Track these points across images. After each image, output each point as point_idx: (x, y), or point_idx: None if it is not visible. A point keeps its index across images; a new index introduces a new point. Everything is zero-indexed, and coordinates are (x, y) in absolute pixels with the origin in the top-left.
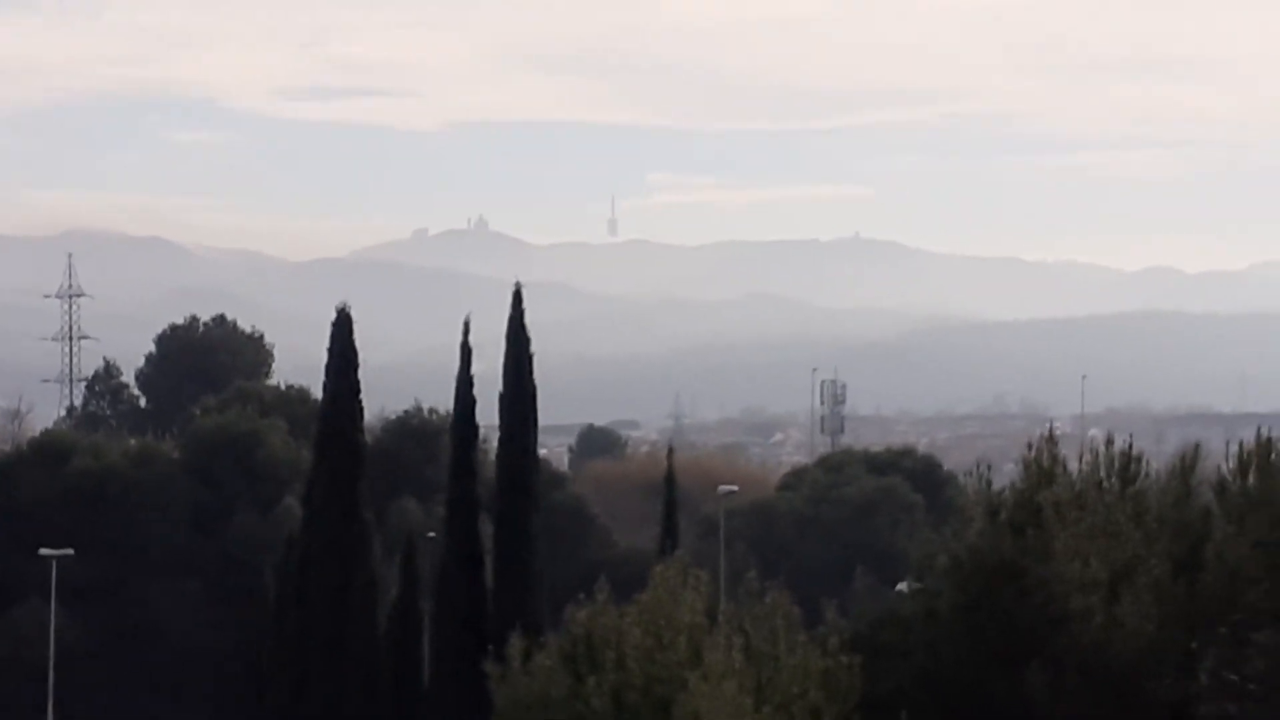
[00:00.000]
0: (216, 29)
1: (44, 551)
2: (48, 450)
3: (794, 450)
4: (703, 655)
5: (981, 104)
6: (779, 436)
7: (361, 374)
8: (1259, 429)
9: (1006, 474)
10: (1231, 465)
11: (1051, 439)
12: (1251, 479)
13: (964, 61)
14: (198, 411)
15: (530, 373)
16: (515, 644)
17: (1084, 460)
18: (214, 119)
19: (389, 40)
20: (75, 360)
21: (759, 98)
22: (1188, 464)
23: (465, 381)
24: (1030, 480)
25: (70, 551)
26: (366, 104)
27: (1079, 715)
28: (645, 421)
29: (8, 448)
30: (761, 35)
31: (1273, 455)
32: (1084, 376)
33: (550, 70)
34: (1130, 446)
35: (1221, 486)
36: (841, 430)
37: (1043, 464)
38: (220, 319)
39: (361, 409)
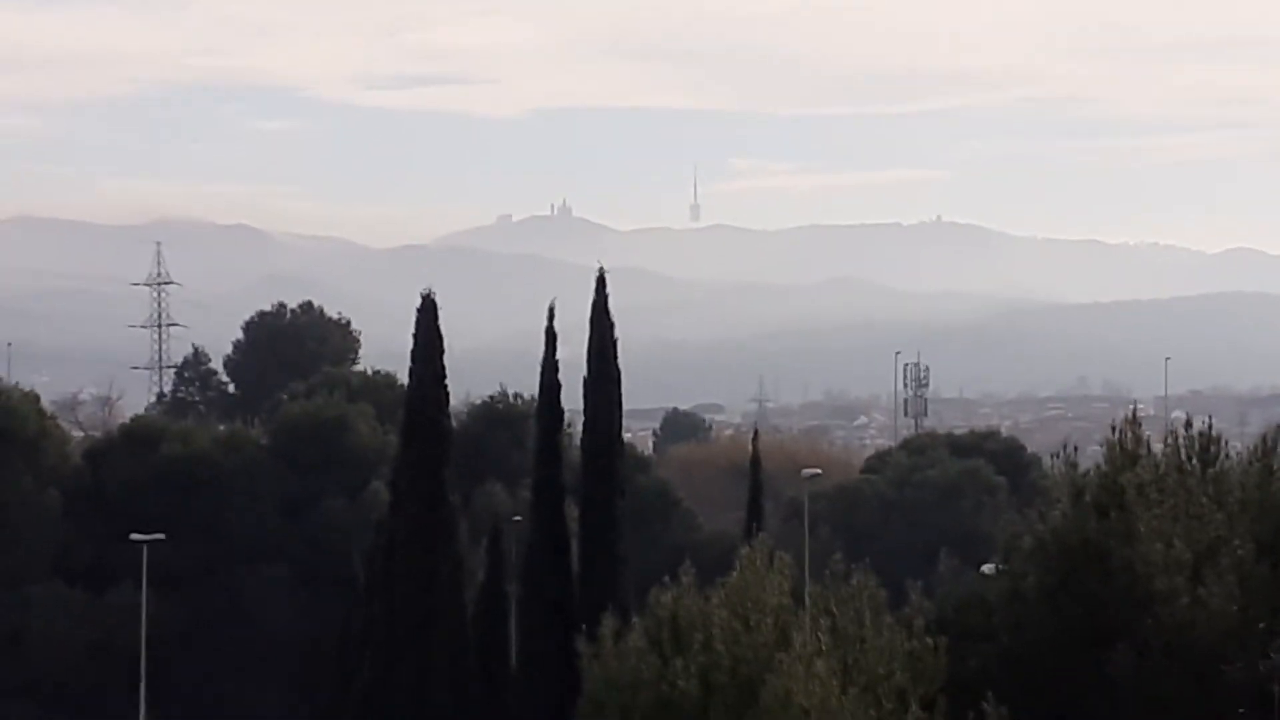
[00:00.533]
0: (299, 18)
1: (135, 537)
2: (138, 436)
3: (877, 433)
4: (790, 637)
5: (1059, 87)
6: (862, 419)
7: (447, 359)
8: None
9: (1090, 456)
10: None
11: (1134, 421)
12: None
13: (1040, 44)
14: (285, 397)
15: (614, 357)
16: (608, 624)
17: (1166, 442)
18: (298, 107)
19: (470, 27)
20: (164, 347)
21: (839, 82)
22: (1269, 445)
23: (550, 366)
24: (1114, 462)
25: (161, 536)
26: (449, 91)
27: (1164, 696)
28: (729, 405)
29: (99, 434)
30: (840, 19)
31: None
32: (1167, 359)
33: (631, 56)
34: (1210, 428)
35: None
36: (924, 413)
37: (1126, 446)
38: (307, 305)
39: (447, 394)
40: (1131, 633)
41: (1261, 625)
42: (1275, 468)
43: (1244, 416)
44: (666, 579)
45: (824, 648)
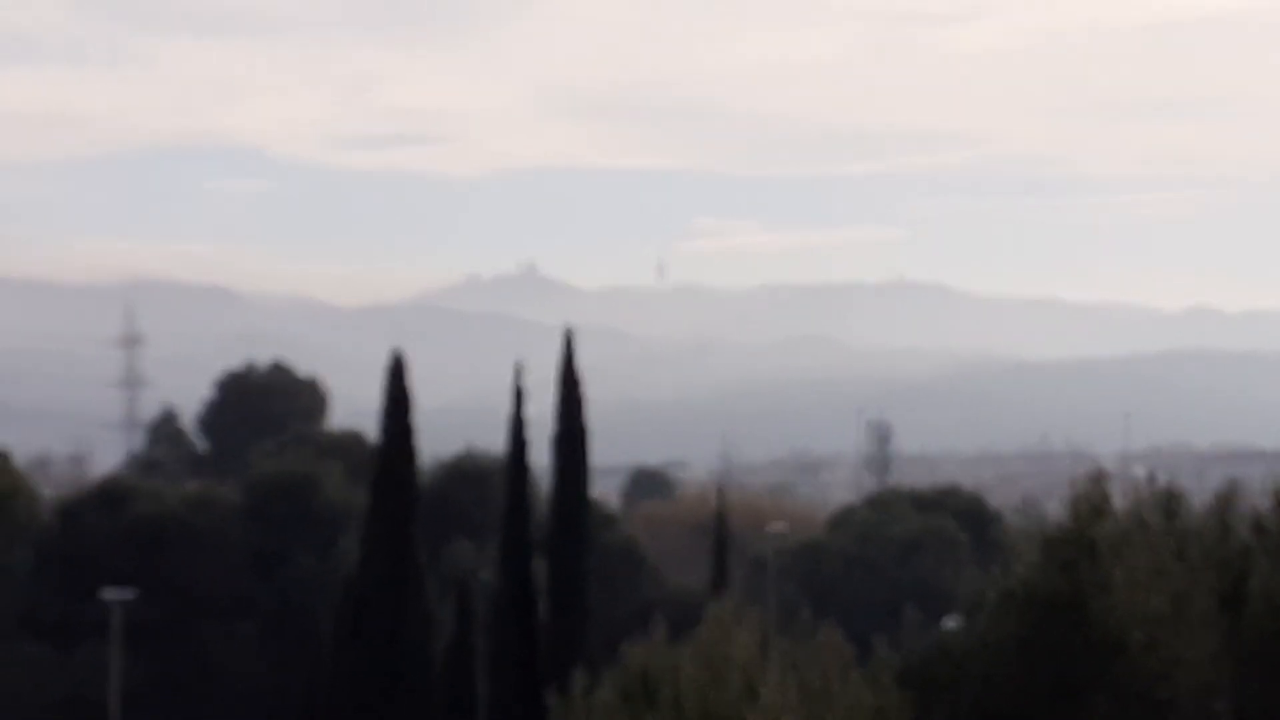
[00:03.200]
0: (267, 80)
1: (106, 594)
2: (109, 494)
3: (841, 489)
4: (758, 692)
5: (1021, 145)
6: (826, 476)
7: (416, 417)
8: None
9: (1051, 512)
10: (1269, 503)
11: (1100, 476)
12: None
13: (1001, 104)
14: (256, 456)
15: (581, 415)
16: (579, 677)
17: (1129, 498)
18: (267, 168)
19: (437, 88)
20: (135, 406)
21: (802, 141)
22: (1225, 502)
23: (518, 424)
24: (1079, 517)
25: (131, 594)
26: (416, 152)
27: None
28: (694, 462)
29: (70, 492)
30: (803, 80)
31: None
32: (1127, 415)
33: (596, 117)
34: (1171, 484)
35: (1258, 523)
36: (888, 469)
37: (1092, 501)
38: (277, 364)
39: (416, 452)
40: (1105, 683)
41: (1230, 675)
42: (1231, 523)
43: (1204, 472)
44: (639, 633)
45: (793, 703)
